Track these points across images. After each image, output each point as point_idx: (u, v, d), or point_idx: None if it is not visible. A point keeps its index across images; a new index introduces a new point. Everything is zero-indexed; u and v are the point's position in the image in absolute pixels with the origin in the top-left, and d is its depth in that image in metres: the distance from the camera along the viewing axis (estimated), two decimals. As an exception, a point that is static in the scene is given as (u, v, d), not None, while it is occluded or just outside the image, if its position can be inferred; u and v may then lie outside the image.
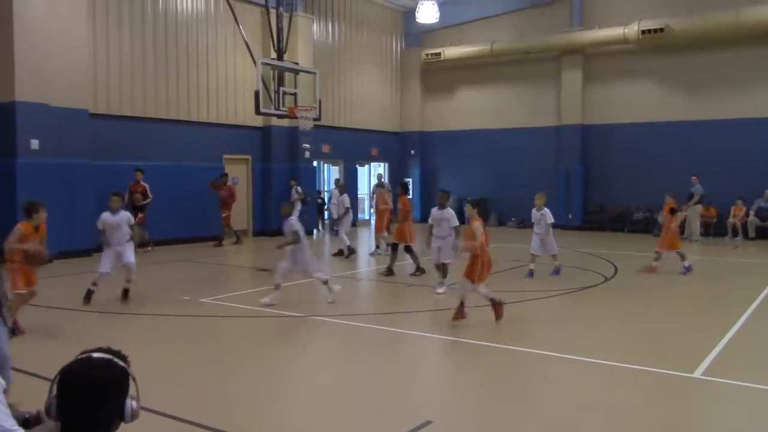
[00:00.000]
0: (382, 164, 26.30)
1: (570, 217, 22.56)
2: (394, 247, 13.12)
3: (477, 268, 8.53)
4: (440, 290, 10.88)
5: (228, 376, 6.61)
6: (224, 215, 17.94)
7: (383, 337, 8.40)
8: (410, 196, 15.26)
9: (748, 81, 20.27)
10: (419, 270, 12.69)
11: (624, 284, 12.06)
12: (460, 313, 8.51)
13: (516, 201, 23.12)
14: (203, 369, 6.80)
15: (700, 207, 19.73)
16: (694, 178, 19.59)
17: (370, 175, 26.14)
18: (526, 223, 22.78)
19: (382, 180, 21.46)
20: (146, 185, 16.24)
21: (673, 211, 13.21)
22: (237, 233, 18.46)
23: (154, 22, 17.48)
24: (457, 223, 11.05)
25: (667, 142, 21.37)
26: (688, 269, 12.82)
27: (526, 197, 21.48)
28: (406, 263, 13.63)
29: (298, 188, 19.13)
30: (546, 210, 12.53)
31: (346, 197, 16.54)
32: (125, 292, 10.12)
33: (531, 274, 12.45)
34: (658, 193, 18.75)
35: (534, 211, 12.67)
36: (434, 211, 11.27)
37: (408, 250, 12.82)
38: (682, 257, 13.00)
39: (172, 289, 11.35)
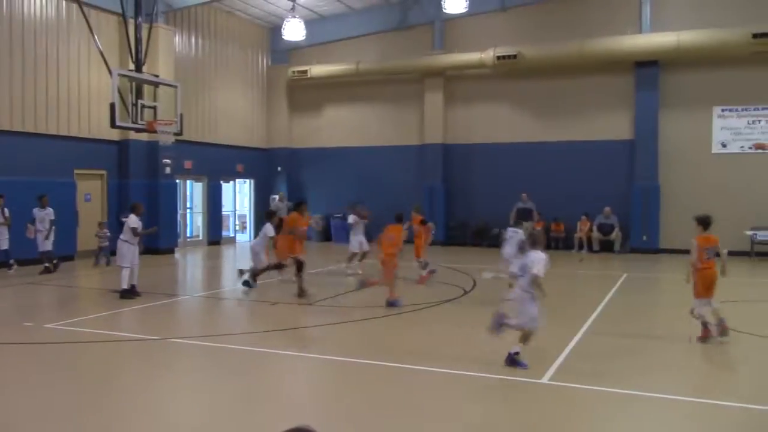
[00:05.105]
0: (248, 181, 25.88)
1: (434, 232, 22.64)
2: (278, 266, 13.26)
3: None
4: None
5: (81, 407, 6.22)
6: None
7: (250, 358, 8.21)
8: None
9: (590, 106, 21.86)
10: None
11: (480, 297, 12.59)
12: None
13: (380, 216, 22.34)
14: (52, 402, 6.37)
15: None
16: (524, 195, 20.70)
17: (235, 191, 25.68)
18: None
19: (284, 199, 21.74)
20: None
21: (424, 222, 15.06)
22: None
23: (-3, 26, 16.48)
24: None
25: (520, 162, 22.55)
26: (428, 275, 14.36)
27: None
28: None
29: (5, 209, 15.52)
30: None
31: (50, 210, 15.60)
32: None
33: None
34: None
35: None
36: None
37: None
38: (425, 265, 14.64)
39: (12, 314, 10.92)
